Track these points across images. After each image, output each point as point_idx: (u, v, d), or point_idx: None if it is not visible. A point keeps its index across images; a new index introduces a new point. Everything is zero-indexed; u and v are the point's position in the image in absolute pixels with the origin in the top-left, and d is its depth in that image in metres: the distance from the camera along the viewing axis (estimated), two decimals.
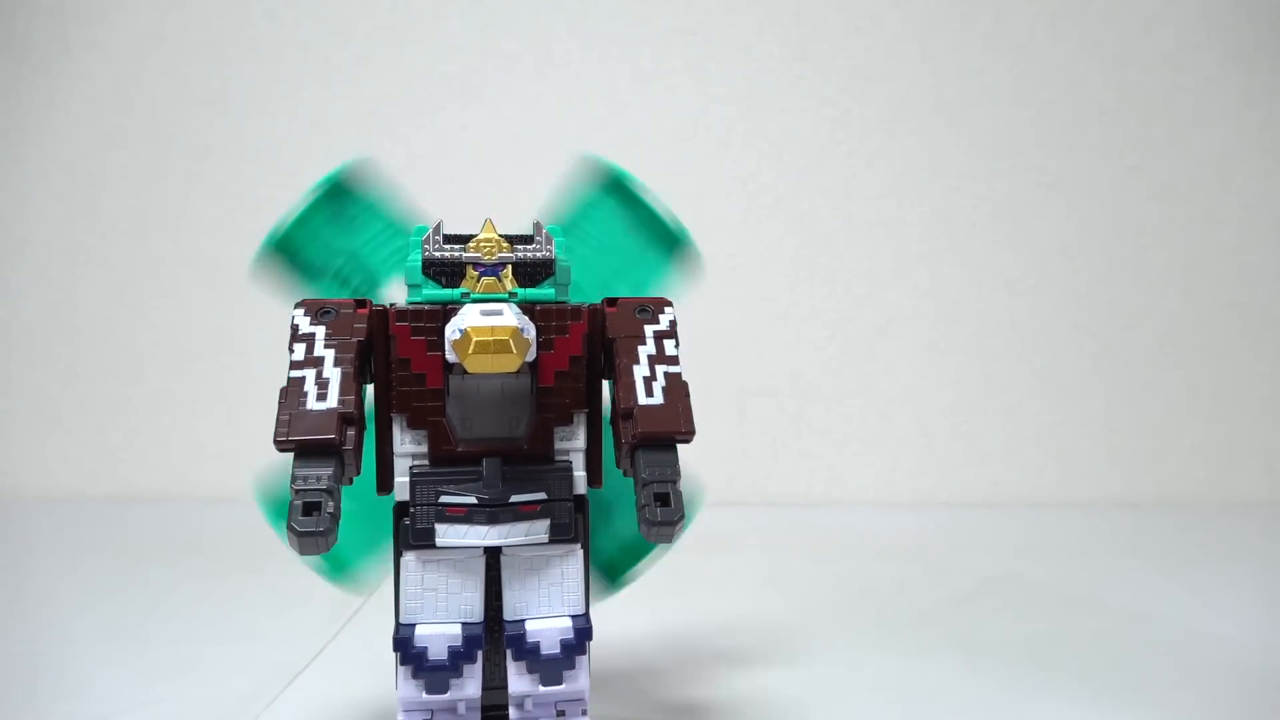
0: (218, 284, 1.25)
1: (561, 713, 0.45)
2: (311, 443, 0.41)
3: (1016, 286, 1.27)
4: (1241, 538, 1.10)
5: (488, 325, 0.41)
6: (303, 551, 0.39)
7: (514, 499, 0.44)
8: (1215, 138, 1.27)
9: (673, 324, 0.47)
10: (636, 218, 0.54)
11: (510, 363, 0.41)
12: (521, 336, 0.42)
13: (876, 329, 1.27)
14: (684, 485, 0.43)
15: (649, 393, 0.44)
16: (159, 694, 0.64)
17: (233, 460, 1.25)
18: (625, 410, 0.44)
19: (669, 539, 0.42)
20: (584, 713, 0.46)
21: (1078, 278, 1.28)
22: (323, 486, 0.40)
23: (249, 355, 1.22)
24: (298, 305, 0.46)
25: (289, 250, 0.51)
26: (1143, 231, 1.27)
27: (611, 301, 0.48)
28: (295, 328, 0.45)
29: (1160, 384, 1.28)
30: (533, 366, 0.45)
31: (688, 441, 0.44)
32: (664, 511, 0.41)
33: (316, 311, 0.45)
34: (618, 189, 0.54)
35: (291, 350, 0.44)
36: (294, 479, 0.40)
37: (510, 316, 0.42)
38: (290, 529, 0.39)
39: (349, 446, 0.42)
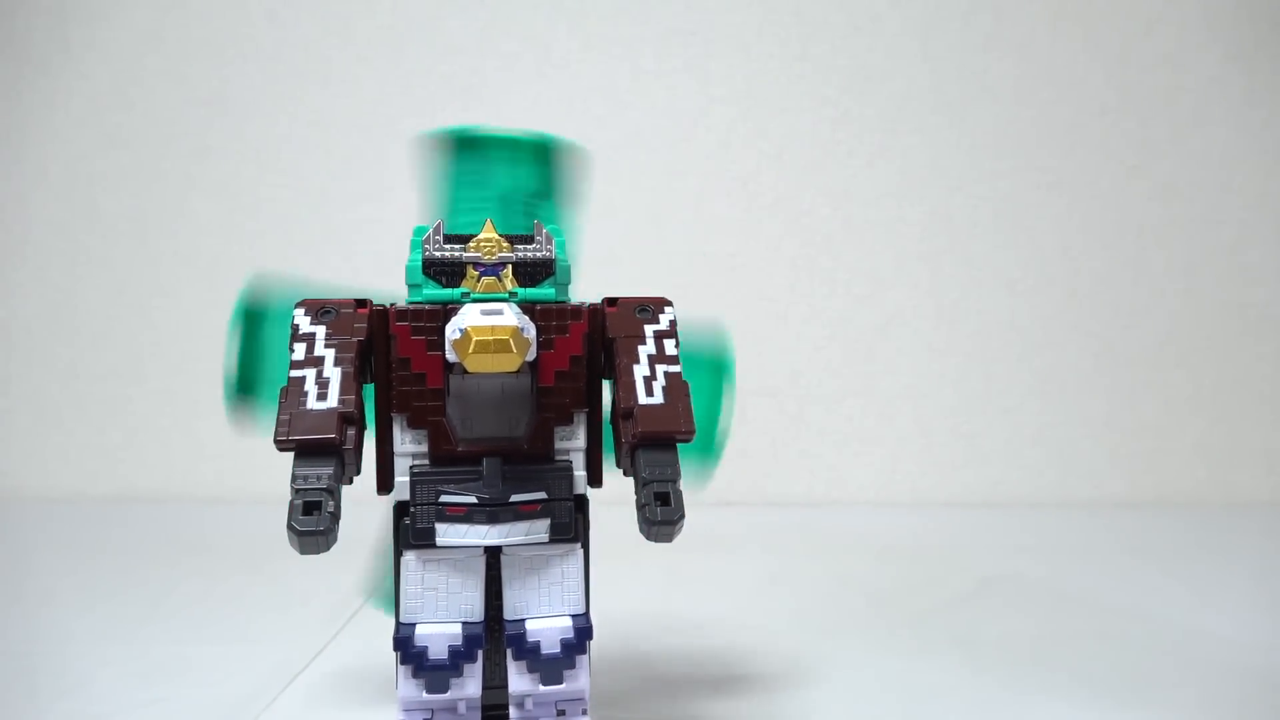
0: (217, 284, 1.24)
1: (562, 712, 0.45)
2: (311, 442, 0.41)
3: (1017, 286, 1.27)
4: (1242, 537, 1.10)
5: (488, 325, 0.41)
6: (303, 551, 0.39)
7: (514, 498, 0.44)
8: (1216, 138, 1.27)
9: (673, 323, 0.47)
10: (707, 410, 0.55)
11: (510, 362, 0.41)
12: (522, 336, 0.42)
13: (877, 329, 1.27)
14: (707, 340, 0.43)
15: (649, 392, 0.44)
16: (159, 694, 0.64)
17: (232, 460, 1.26)
18: (625, 410, 0.44)
19: (669, 538, 0.42)
20: (584, 712, 0.46)
21: (1078, 278, 1.28)
22: (323, 486, 0.40)
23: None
24: (298, 305, 0.46)
25: (465, 150, 0.51)
26: (1143, 231, 1.27)
27: (611, 301, 0.48)
28: (295, 327, 0.45)
29: (1161, 384, 1.28)
30: (533, 366, 0.45)
31: (688, 441, 0.44)
32: (664, 511, 0.41)
33: (317, 311, 0.45)
34: (717, 377, 0.56)
35: (292, 350, 0.44)
36: (294, 478, 0.40)
37: (510, 316, 0.42)
38: (291, 528, 0.39)
39: (349, 446, 0.42)
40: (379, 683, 0.64)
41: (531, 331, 0.43)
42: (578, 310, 0.46)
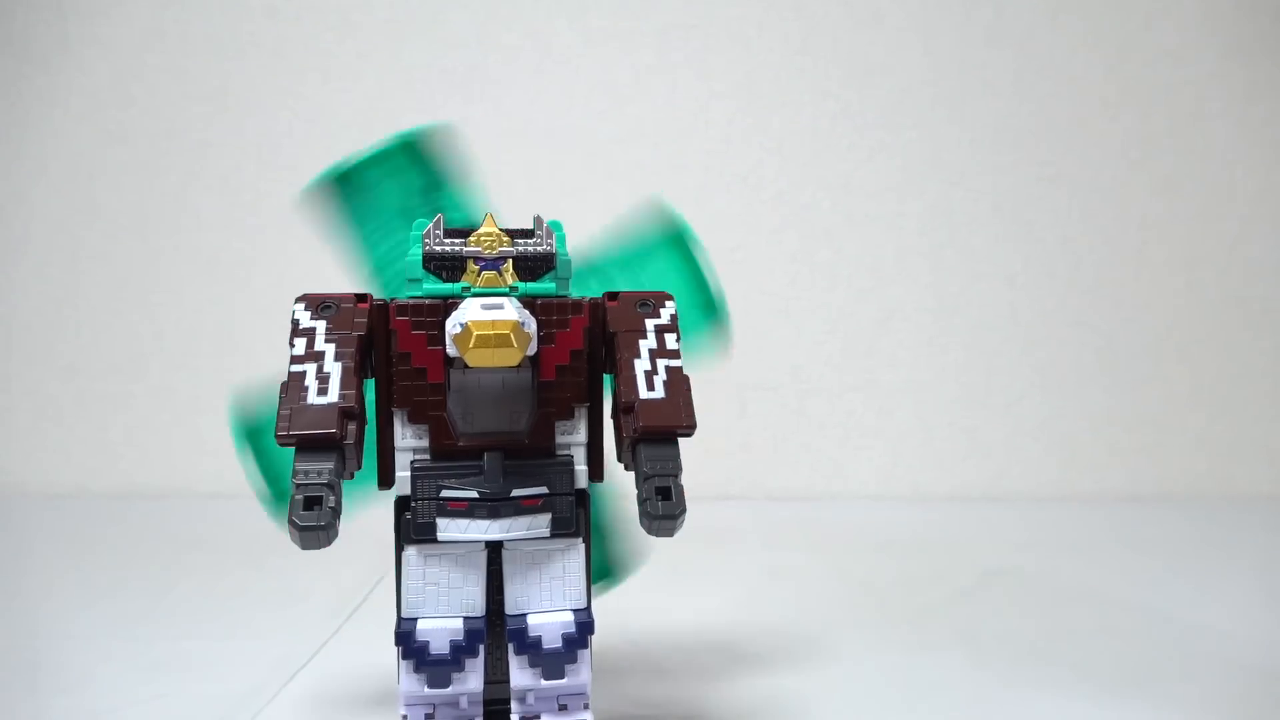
0: (218, 279, 1.24)
1: (564, 706, 0.45)
2: (313, 437, 0.41)
3: (1017, 280, 1.27)
4: (1243, 531, 1.10)
5: (488, 319, 0.41)
6: (304, 546, 0.39)
7: (515, 493, 0.44)
8: (1217, 132, 1.26)
9: (673, 318, 0.47)
10: (687, 277, 0.55)
11: (511, 357, 0.41)
12: (522, 330, 0.41)
13: (877, 323, 1.27)
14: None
15: (650, 387, 0.44)
16: (161, 689, 0.64)
17: (233, 456, 1.25)
18: (626, 404, 0.44)
19: (670, 532, 0.42)
20: (586, 706, 0.46)
21: (1079, 272, 1.27)
22: (324, 481, 0.40)
23: (250, 350, 1.22)
24: (298, 300, 0.46)
25: (345, 186, 0.51)
26: (1144, 225, 1.27)
27: (613, 295, 0.48)
28: (296, 322, 0.45)
29: (1162, 377, 1.28)
30: (534, 360, 0.45)
31: (689, 435, 0.44)
32: (665, 505, 0.41)
33: (317, 306, 0.45)
34: (679, 244, 0.55)
35: (292, 345, 0.44)
36: (295, 473, 0.40)
37: (511, 310, 0.42)
38: (292, 523, 0.39)
39: (350, 441, 0.42)
40: (381, 678, 0.64)
41: (532, 326, 0.43)
42: (578, 304, 0.46)
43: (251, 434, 0.52)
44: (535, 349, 0.44)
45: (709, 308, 0.55)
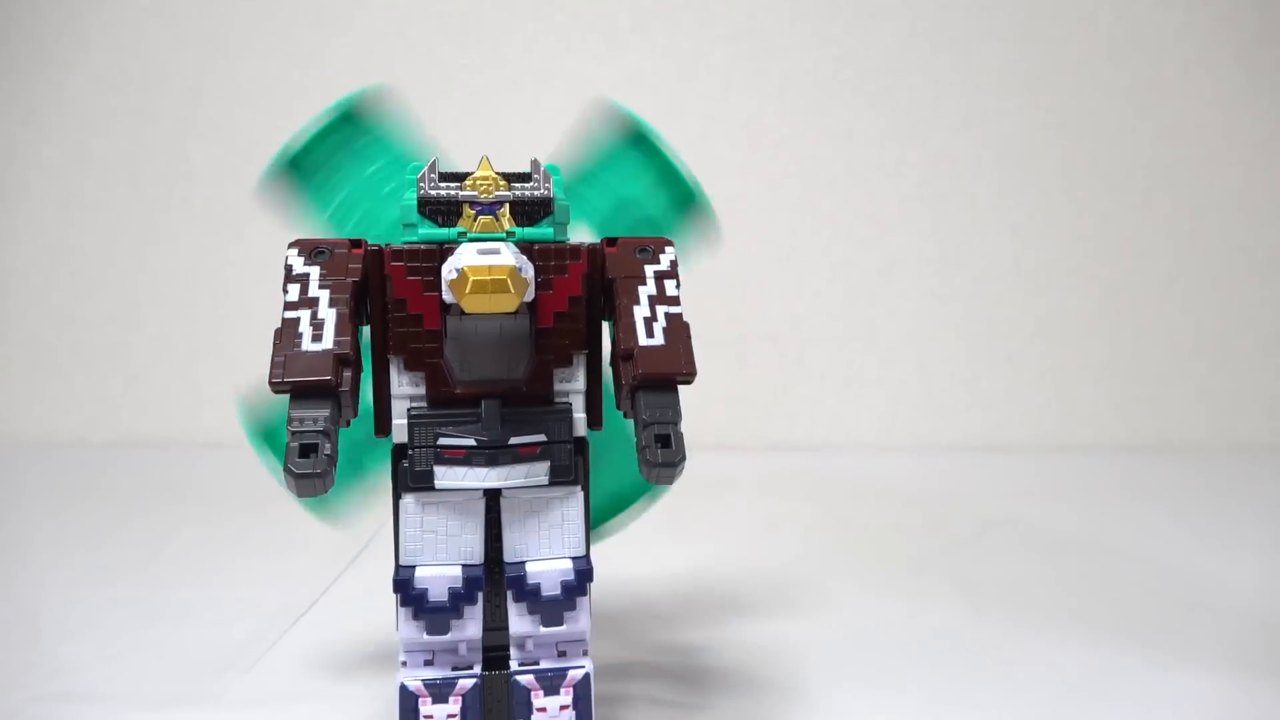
0: (213, 227, 1.23)
1: (563, 653, 0.45)
2: (307, 384, 0.40)
3: (1020, 229, 1.26)
4: (1244, 481, 1.10)
5: (485, 264, 0.40)
6: (300, 494, 0.39)
7: (513, 441, 0.44)
8: (1224, 79, 1.25)
9: (673, 264, 0.46)
10: (657, 174, 0.53)
11: (508, 303, 0.41)
12: (519, 276, 0.41)
13: (879, 272, 1.26)
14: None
15: (649, 333, 0.44)
16: (161, 637, 0.64)
17: (232, 405, 1.25)
18: (625, 351, 0.43)
19: (669, 480, 0.41)
20: (585, 653, 0.46)
21: (1082, 220, 1.26)
22: (319, 428, 0.39)
23: (246, 299, 1.22)
24: (291, 245, 0.45)
25: (298, 170, 0.50)
26: (1149, 173, 1.26)
27: (611, 241, 0.47)
28: (289, 268, 0.44)
29: (1164, 327, 1.28)
30: (531, 307, 0.44)
31: (689, 382, 0.43)
32: (665, 453, 0.41)
33: (310, 252, 0.44)
34: (640, 142, 0.53)
35: (285, 291, 0.43)
36: (290, 420, 0.39)
37: (508, 256, 0.41)
38: (287, 470, 0.38)
39: (345, 388, 0.41)
40: (380, 625, 0.64)
41: (530, 271, 0.42)
42: (576, 250, 0.45)
43: (269, 436, 0.51)
44: (533, 295, 0.43)
45: (686, 198, 0.53)
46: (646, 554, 0.78)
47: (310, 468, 0.38)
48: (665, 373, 0.43)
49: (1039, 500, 1.00)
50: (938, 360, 1.27)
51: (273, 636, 0.64)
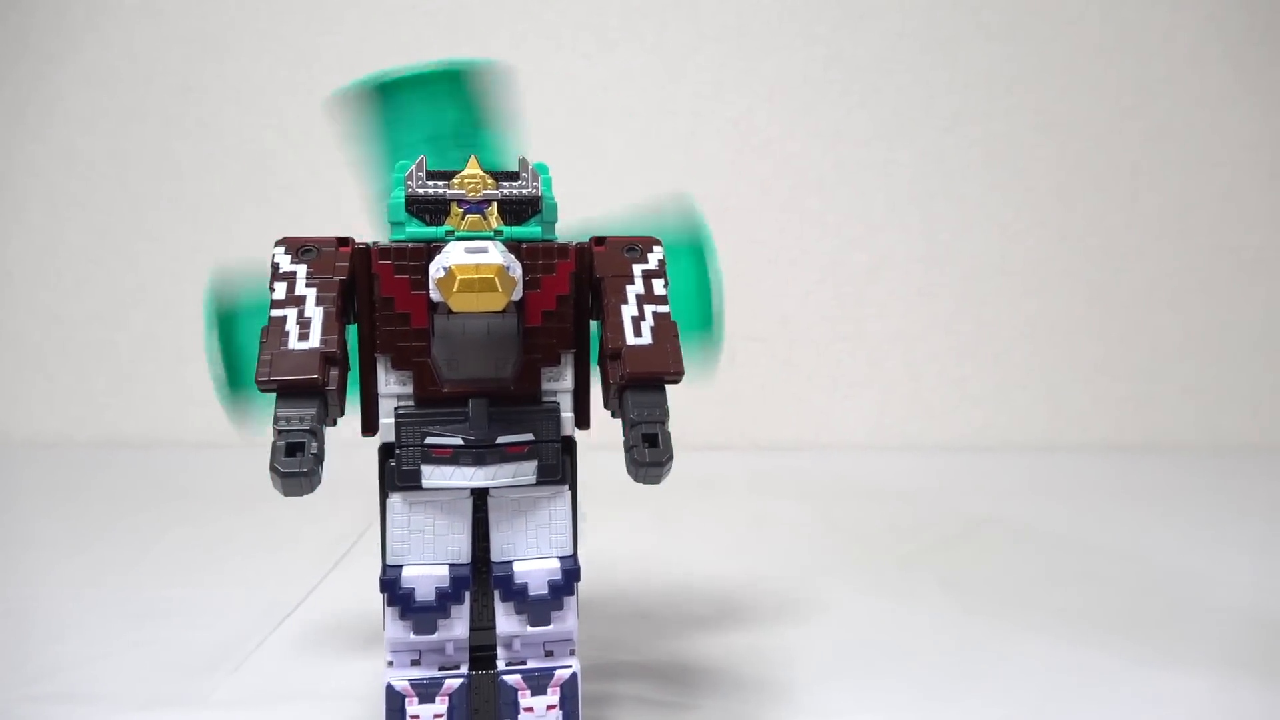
0: (201, 226, 1.23)
1: (550, 653, 0.45)
2: (294, 383, 0.40)
3: (1009, 229, 1.27)
4: (1229, 480, 1.11)
5: (472, 263, 0.40)
6: (286, 493, 0.39)
7: (501, 440, 0.44)
8: (1213, 78, 1.25)
9: (661, 263, 0.46)
10: (695, 286, 0.54)
11: (496, 301, 0.40)
12: (507, 274, 0.41)
13: (867, 272, 1.26)
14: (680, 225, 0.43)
15: (637, 333, 0.44)
16: (149, 636, 0.64)
17: (218, 405, 1.25)
18: (613, 350, 0.43)
19: (657, 480, 0.41)
20: (572, 653, 0.46)
21: (1070, 220, 1.27)
22: (306, 427, 0.39)
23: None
24: (278, 243, 0.45)
25: (378, 100, 0.50)
26: (1137, 173, 1.26)
27: (599, 240, 0.47)
28: (275, 266, 0.44)
29: (1151, 327, 1.28)
30: (519, 306, 0.44)
31: (676, 382, 0.43)
32: (652, 452, 0.41)
33: (297, 250, 0.44)
34: (697, 252, 0.54)
35: (272, 289, 0.43)
36: (276, 419, 0.39)
37: (495, 254, 0.41)
38: (274, 470, 0.38)
39: (332, 387, 0.41)
40: (367, 624, 0.64)
41: (517, 270, 0.42)
42: (565, 249, 0.45)
43: (225, 318, 0.51)
44: (521, 294, 0.43)
45: (705, 322, 0.54)
46: (634, 553, 0.78)
47: (297, 466, 0.38)
48: (652, 372, 0.43)
49: (1027, 499, 1.00)
50: (926, 360, 1.27)
51: (260, 636, 0.64)
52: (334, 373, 0.41)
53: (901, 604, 0.71)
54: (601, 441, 0.51)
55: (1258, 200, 1.27)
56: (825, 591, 0.73)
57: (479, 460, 0.43)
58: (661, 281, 0.46)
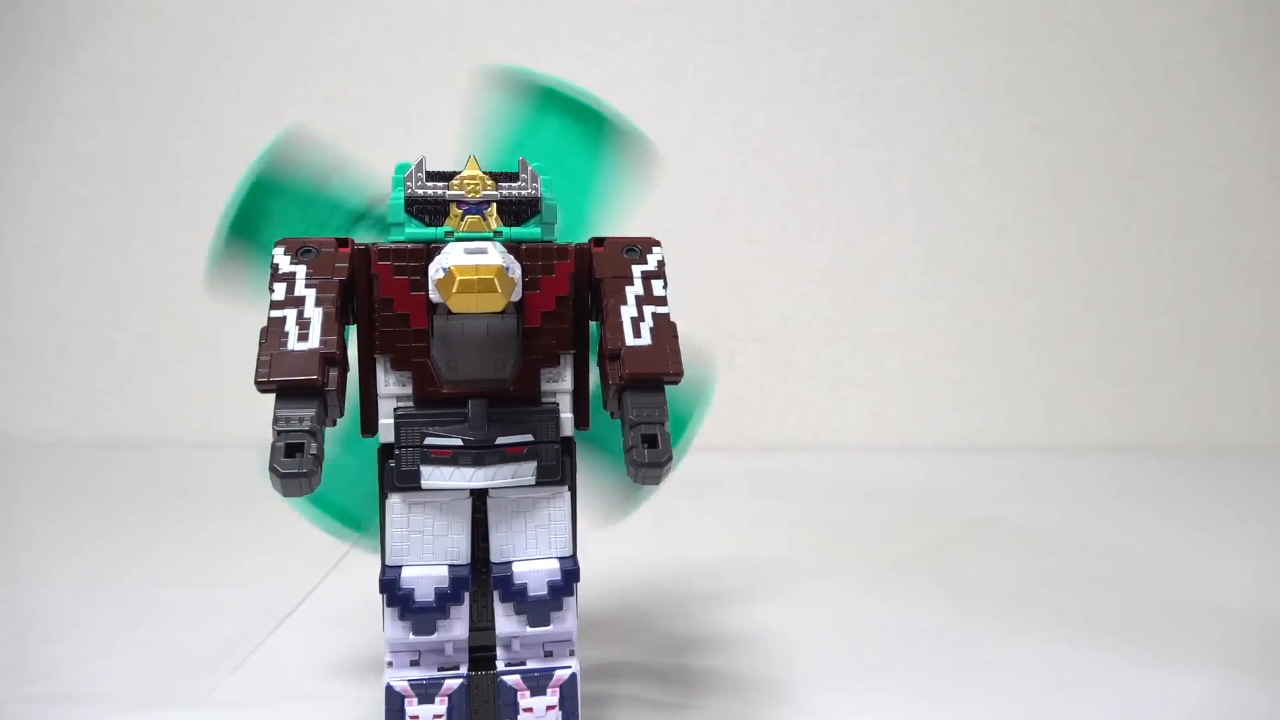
0: (199, 226, 1.22)
1: (549, 654, 0.45)
2: (293, 383, 0.40)
3: (1007, 230, 1.27)
4: (1228, 482, 1.11)
5: (472, 264, 0.40)
6: (286, 494, 0.39)
7: (500, 441, 0.44)
8: (1210, 80, 1.25)
9: (660, 264, 0.46)
10: (578, 122, 0.52)
11: (495, 302, 0.41)
12: (506, 276, 0.41)
13: (866, 273, 1.26)
14: (691, 374, 0.43)
15: (636, 334, 0.44)
16: (147, 637, 0.64)
17: (217, 405, 1.25)
18: (613, 351, 0.43)
19: (656, 480, 0.41)
20: (571, 654, 0.46)
21: (1068, 222, 1.27)
22: (305, 428, 0.39)
23: (233, 299, 1.21)
24: (278, 244, 0.45)
25: (244, 233, 0.51)
26: (1135, 175, 1.27)
27: (599, 241, 0.47)
28: (275, 267, 0.44)
29: (1149, 329, 1.29)
30: (518, 307, 0.44)
31: (675, 383, 0.43)
32: (651, 453, 0.41)
33: (297, 250, 0.44)
34: (553, 100, 0.52)
35: (272, 290, 0.43)
36: (276, 420, 0.39)
37: (495, 255, 0.41)
38: (273, 470, 0.38)
39: (331, 387, 0.41)
40: (367, 624, 0.64)
41: (516, 271, 0.42)
42: (564, 250, 0.45)
43: (265, 183, 0.50)
44: (520, 295, 0.43)
45: (601, 127, 0.52)
46: (634, 554, 0.78)
47: (296, 467, 0.38)
48: (652, 373, 0.43)
49: (1024, 500, 1.00)
50: (924, 361, 1.28)
51: (259, 637, 0.64)
52: (333, 373, 0.41)
53: (899, 604, 0.71)
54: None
55: (1255, 202, 1.27)
56: (823, 591, 0.73)
57: (478, 461, 0.43)
58: (661, 282, 0.46)
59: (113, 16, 1.21)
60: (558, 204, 0.46)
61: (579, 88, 0.52)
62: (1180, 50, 1.25)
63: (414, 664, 0.45)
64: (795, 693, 0.57)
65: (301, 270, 0.43)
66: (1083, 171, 1.26)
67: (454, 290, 0.40)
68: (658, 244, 0.47)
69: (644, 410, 0.42)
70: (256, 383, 0.40)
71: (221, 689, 0.57)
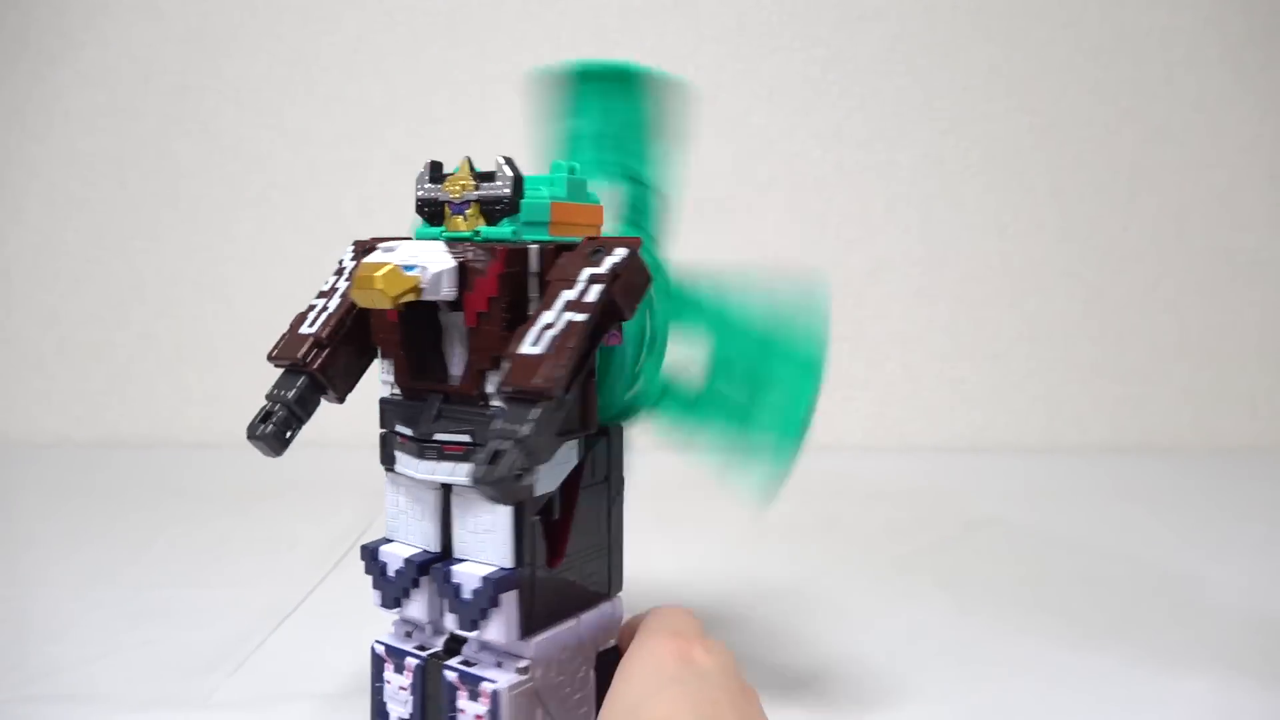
0: (199, 226, 1.23)
1: (499, 664, 0.44)
2: (284, 361, 0.46)
3: (1007, 230, 1.27)
4: (1226, 481, 1.11)
5: (374, 261, 0.42)
6: (260, 450, 0.45)
7: (438, 437, 0.44)
8: (1211, 80, 1.25)
9: (615, 267, 0.42)
10: (617, 83, 0.55)
11: (377, 299, 0.41)
12: (400, 275, 0.41)
13: (866, 273, 1.26)
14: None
15: (536, 341, 0.41)
16: (148, 636, 0.64)
17: (217, 405, 1.25)
18: (505, 356, 0.41)
19: (492, 498, 0.40)
20: (522, 670, 0.44)
21: (1069, 222, 1.27)
22: (281, 399, 0.45)
23: (232, 299, 1.21)
24: (352, 243, 0.49)
25: (571, 85, 0.53)
26: (1135, 175, 1.27)
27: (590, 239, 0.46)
28: (339, 261, 0.48)
29: (1148, 329, 1.29)
30: (456, 306, 0.44)
31: (549, 399, 0.40)
32: (486, 470, 0.38)
33: (360, 250, 0.48)
34: (587, 75, 0.55)
35: (325, 282, 0.48)
36: (270, 389, 0.46)
37: (402, 255, 0.42)
38: (248, 429, 0.45)
39: (315, 367, 0.45)
40: (367, 625, 0.64)
41: (430, 273, 0.42)
42: (492, 250, 0.43)
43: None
44: (453, 295, 0.43)
45: (783, 451, 0.56)
46: (631, 554, 0.77)
47: (259, 431, 0.45)
48: (526, 387, 0.40)
49: (1024, 500, 1.00)
50: (924, 361, 1.28)
51: (260, 636, 0.64)
52: (317, 355, 0.46)
53: (899, 604, 0.71)
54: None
55: (1255, 202, 1.27)
56: (823, 592, 0.73)
57: (421, 454, 0.44)
58: (600, 288, 0.42)
59: (113, 16, 1.21)
60: (624, 182, 0.49)
61: (603, 59, 0.54)
62: (1180, 50, 1.25)
63: (408, 635, 0.47)
64: (795, 692, 0.57)
65: (351, 267, 0.48)
66: (1082, 171, 1.26)
67: (353, 287, 0.42)
68: (629, 244, 0.44)
69: (509, 423, 0.40)
70: (268, 357, 0.46)
71: (222, 689, 0.57)
